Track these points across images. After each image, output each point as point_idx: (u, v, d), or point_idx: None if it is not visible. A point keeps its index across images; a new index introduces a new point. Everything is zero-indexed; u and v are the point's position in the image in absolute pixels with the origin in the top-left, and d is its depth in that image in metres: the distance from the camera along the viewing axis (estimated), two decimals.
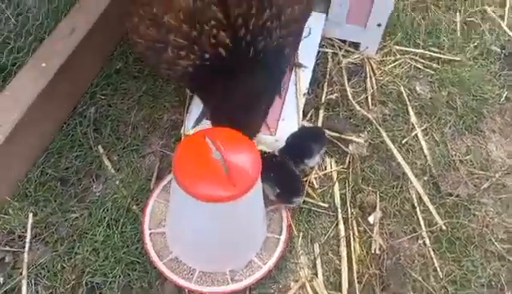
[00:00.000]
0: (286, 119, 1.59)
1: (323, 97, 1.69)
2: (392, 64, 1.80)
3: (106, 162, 1.49)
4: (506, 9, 1.99)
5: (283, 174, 1.33)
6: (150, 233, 1.28)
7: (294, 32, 1.14)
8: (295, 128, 1.57)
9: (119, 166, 1.49)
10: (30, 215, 1.33)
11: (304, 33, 1.73)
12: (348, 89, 1.71)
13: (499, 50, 1.85)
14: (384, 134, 1.57)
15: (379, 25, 1.72)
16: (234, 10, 1.00)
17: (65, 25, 1.57)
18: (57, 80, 1.46)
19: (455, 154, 1.58)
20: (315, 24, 1.73)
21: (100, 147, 1.51)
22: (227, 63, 1.06)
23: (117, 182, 1.44)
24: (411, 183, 1.47)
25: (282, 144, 1.47)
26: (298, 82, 1.63)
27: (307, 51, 1.70)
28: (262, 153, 1.38)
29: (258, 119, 1.24)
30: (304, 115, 1.63)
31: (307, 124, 1.61)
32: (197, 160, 1.07)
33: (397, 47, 1.85)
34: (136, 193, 1.43)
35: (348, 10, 1.70)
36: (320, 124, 1.62)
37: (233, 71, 1.09)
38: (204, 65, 1.07)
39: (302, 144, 1.47)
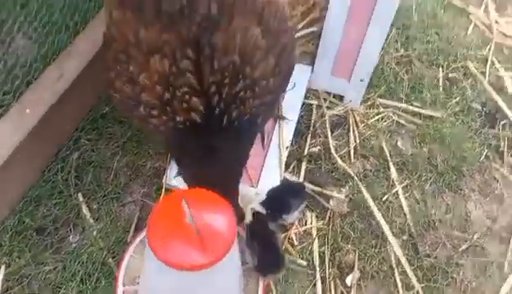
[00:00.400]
0: (268, 171, 1.60)
1: (306, 149, 1.71)
2: (376, 118, 1.83)
3: (85, 211, 1.48)
4: (488, 65, 2.05)
5: (265, 247, 1.31)
6: (124, 291, 1.26)
7: (268, 102, 1.16)
8: (277, 181, 1.58)
9: (98, 215, 1.49)
10: (3, 267, 1.31)
11: (289, 86, 1.78)
12: (330, 141, 1.73)
13: (480, 107, 1.89)
14: (365, 190, 1.58)
15: (362, 80, 1.76)
16: (208, 78, 1.02)
17: (53, 70, 1.58)
18: (40, 127, 1.46)
19: (435, 213, 1.59)
20: (300, 77, 1.77)
21: (80, 195, 1.51)
22: (200, 128, 1.08)
23: (94, 233, 1.43)
24: (390, 243, 1.48)
25: (263, 196, 1.48)
26: (282, 135, 1.65)
27: (291, 104, 1.73)
28: (253, 214, 1.38)
29: (229, 185, 1.24)
30: (287, 167, 1.65)
31: (289, 176, 1.63)
32: (171, 224, 1.06)
33: (381, 100, 1.88)
34: (114, 244, 1.41)
35: (333, 64, 1.74)
36: (302, 177, 1.64)
37: (205, 137, 1.10)
38: (177, 127, 1.09)
39: (281, 199, 1.48)
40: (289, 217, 1.46)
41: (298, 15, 1.77)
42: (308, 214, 1.55)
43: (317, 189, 1.59)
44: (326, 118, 1.80)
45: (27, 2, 1.60)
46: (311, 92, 1.88)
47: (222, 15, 1.01)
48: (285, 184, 1.56)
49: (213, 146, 1.12)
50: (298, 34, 1.76)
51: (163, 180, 1.54)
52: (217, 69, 1.02)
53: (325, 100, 1.87)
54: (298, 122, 1.76)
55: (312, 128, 1.78)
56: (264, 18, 1.08)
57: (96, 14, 1.76)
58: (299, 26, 1.75)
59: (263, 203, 1.45)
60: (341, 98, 1.88)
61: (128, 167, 1.61)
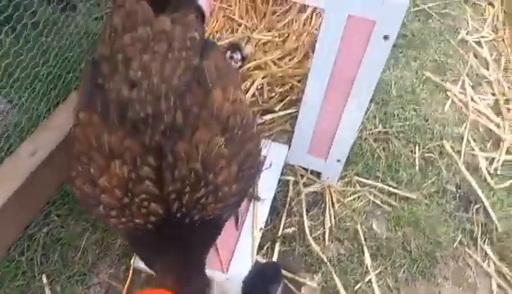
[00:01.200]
0: (240, 254, 1.57)
1: (280, 230, 1.69)
2: (352, 197, 1.84)
3: None
4: (463, 144, 2.09)
5: None
6: None
7: (232, 203, 1.16)
8: (248, 265, 1.56)
9: None
10: None
11: (265, 165, 1.80)
12: (306, 222, 1.72)
13: (454, 189, 1.91)
14: (337, 278, 1.56)
15: (338, 161, 1.77)
16: (168, 186, 1.02)
17: (27, 145, 1.57)
18: (9, 205, 1.44)
19: None
20: (277, 156, 1.79)
21: (44, 276, 1.46)
22: (160, 229, 1.07)
23: None
24: None
25: (233, 282, 1.45)
26: (255, 216, 1.64)
27: (267, 183, 1.73)
28: None
29: (193, 273, 1.22)
30: (260, 248, 1.63)
31: (260, 259, 1.60)
32: None
33: (358, 178, 1.90)
34: None
35: (309, 144, 1.76)
36: (275, 259, 1.61)
37: (166, 237, 1.09)
38: (136, 228, 1.07)
39: (259, 286, 1.44)
40: None
41: (276, 97, 1.81)
42: None
43: (290, 275, 1.56)
44: (303, 196, 1.80)
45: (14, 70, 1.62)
46: (288, 167, 1.89)
47: (186, 124, 1.03)
48: (261, 268, 1.52)
49: (174, 244, 1.11)
50: (276, 115, 1.79)
51: (132, 261, 1.50)
52: (178, 178, 1.02)
53: (302, 176, 1.88)
54: (275, 198, 1.75)
55: (287, 206, 1.78)
56: (229, 127, 1.09)
57: (78, 86, 1.78)
58: (277, 108, 1.78)
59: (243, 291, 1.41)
60: (318, 174, 1.89)
61: (97, 244, 1.58)
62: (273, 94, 1.81)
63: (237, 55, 1.83)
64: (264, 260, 1.59)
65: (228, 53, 1.85)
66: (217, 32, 2.12)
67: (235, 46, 1.89)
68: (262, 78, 1.87)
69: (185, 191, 1.03)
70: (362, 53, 1.40)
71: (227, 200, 1.11)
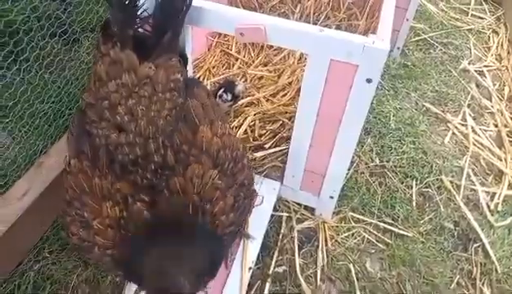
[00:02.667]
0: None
1: (271, 268, 1.67)
2: (346, 234, 1.81)
3: None
4: (463, 179, 2.05)
5: None
6: None
7: (230, 232, 1.18)
8: None
9: None
10: None
11: (257, 202, 1.79)
12: (297, 260, 1.70)
13: (452, 226, 1.86)
14: None
15: (331, 197, 1.76)
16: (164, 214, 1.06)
17: (21, 184, 1.62)
18: (1, 243, 1.47)
19: None
20: (269, 192, 1.78)
21: None
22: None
23: None
24: None
25: None
26: (245, 255, 1.63)
27: (258, 220, 1.72)
28: None
29: None
30: (250, 288, 1.61)
31: None
32: None
33: (353, 214, 1.87)
34: None
35: (301, 181, 1.76)
36: None
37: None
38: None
39: None
40: None
41: (268, 134, 1.82)
42: None
43: None
44: (295, 232, 1.78)
45: (14, 104, 1.68)
46: (281, 202, 1.88)
47: (178, 163, 1.07)
48: None
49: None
50: (268, 152, 1.79)
51: None
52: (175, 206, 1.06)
53: (295, 211, 1.86)
54: (266, 235, 1.74)
55: (279, 243, 1.76)
56: (220, 161, 1.13)
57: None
58: (267, 145, 1.79)
59: None
60: (313, 209, 1.87)
61: (88, 281, 1.59)
62: (264, 131, 1.82)
63: (227, 96, 1.85)
64: None
65: (220, 91, 1.88)
66: (213, 67, 2.16)
67: (229, 84, 1.92)
68: (254, 115, 1.89)
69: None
70: (347, 95, 1.41)
71: (225, 229, 1.13)
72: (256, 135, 1.82)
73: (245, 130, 1.84)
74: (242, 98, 1.96)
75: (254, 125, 1.85)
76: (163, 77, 1.16)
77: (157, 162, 1.07)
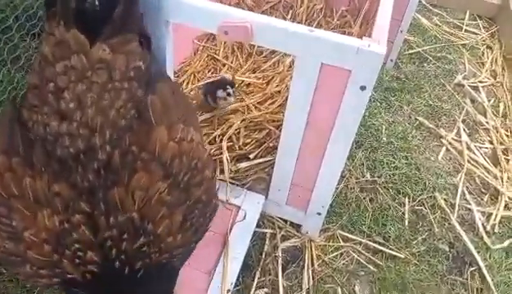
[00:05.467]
0: None
1: (252, 291, 1.53)
2: (334, 253, 1.68)
3: None
4: (458, 197, 1.94)
5: None
6: None
7: (180, 253, 1.04)
8: None
9: None
10: None
11: (239, 217, 1.66)
12: (281, 282, 1.56)
13: (447, 248, 1.75)
14: None
15: (319, 214, 1.63)
16: (103, 232, 0.91)
17: None
18: None
19: None
20: (252, 207, 1.65)
21: None
22: (99, 280, 0.94)
23: None
24: None
25: None
26: (224, 275, 1.49)
27: (239, 237, 1.58)
28: None
29: None
30: None
31: None
32: None
33: (341, 232, 1.74)
34: None
35: (288, 195, 1.63)
36: None
37: (107, 287, 0.96)
38: (73, 283, 0.94)
39: None
40: None
41: (253, 143, 1.70)
42: None
43: None
44: (279, 252, 1.65)
45: None
46: (265, 218, 1.75)
47: (123, 166, 0.92)
48: None
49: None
50: (253, 163, 1.67)
51: None
52: (114, 225, 0.90)
53: (280, 228, 1.73)
54: (248, 254, 1.60)
55: (262, 263, 1.62)
56: (174, 172, 0.98)
57: None
58: (252, 156, 1.67)
59: None
60: (299, 226, 1.74)
61: None
62: (249, 140, 1.70)
63: (224, 94, 1.73)
64: None
65: (219, 92, 1.76)
66: (198, 72, 2.04)
67: (224, 83, 1.81)
68: (240, 122, 1.77)
69: (122, 238, 0.91)
70: (338, 103, 1.30)
71: (174, 250, 0.99)
72: (240, 143, 1.69)
73: (230, 137, 1.71)
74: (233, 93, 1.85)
75: (239, 133, 1.73)
76: (122, 64, 1.01)
77: (101, 160, 0.92)
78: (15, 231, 0.91)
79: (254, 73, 2.07)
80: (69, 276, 0.93)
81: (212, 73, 2.06)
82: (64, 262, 0.91)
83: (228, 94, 1.80)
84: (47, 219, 0.89)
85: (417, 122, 2.28)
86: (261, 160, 1.67)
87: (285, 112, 1.43)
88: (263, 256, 1.64)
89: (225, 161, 1.63)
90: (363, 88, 1.24)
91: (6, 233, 0.93)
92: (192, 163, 1.05)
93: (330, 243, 1.72)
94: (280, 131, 1.51)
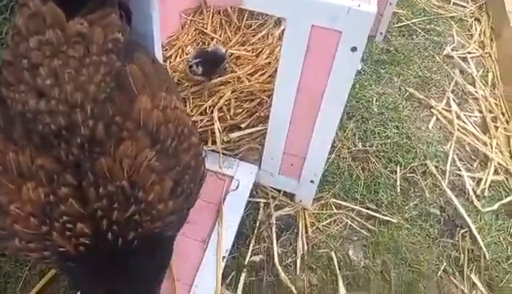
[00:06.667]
0: (200, 286, 1.42)
1: (247, 258, 1.55)
2: (328, 220, 1.70)
3: None
4: (448, 164, 1.97)
5: None
6: None
7: (172, 220, 1.03)
8: None
9: None
10: None
11: (232, 186, 1.67)
12: (275, 249, 1.58)
13: (438, 212, 1.78)
14: None
15: (312, 181, 1.64)
16: (93, 204, 0.89)
17: None
18: None
19: None
20: (245, 177, 1.65)
21: None
22: (93, 253, 0.92)
23: None
24: None
25: None
26: (219, 243, 1.50)
27: (233, 206, 1.58)
28: None
29: None
30: (224, 278, 1.47)
31: (225, 291, 1.45)
32: None
33: (334, 200, 1.76)
34: None
35: (280, 164, 1.64)
36: (240, 291, 1.46)
37: (101, 260, 0.94)
38: (65, 257, 0.93)
39: None
40: None
41: (244, 113, 1.69)
42: None
43: None
44: (273, 219, 1.66)
45: None
46: (259, 188, 1.75)
47: (108, 137, 0.90)
48: None
49: (113, 272, 0.97)
50: (243, 132, 1.66)
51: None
52: (104, 195, 0.89)
53: (273, 198, 1.74)
54: (242, 223, 1.61)
55: (256, 231, 1.63)
56: (160, 138, 0.96)
57: None
58: (243, 125, 1.66)
59: None
60: (292, 196, 1.75)
61: (41, 274, 1.42)
62: (240, 110, 1.69)
63: (197, 69, 1.72)
64: (228, 292, 1.44)
65: (192, 62, 1.74)
66: (186, 46, 2.02)
67: (204, 54, 1.79)
68: (231, 93, 1.75)
69: (113, 207, 0.90)
70: (330, 66, 1.29)
71: (166, 218, 0.98)
72: (232, 114, 1.69)
73: (221, 108, 1.70)
74: (218, 76, 1.83)
75: (230, 104, 1.72)
76: (99, 37, 0.97)
77: (84, 135, 0.89)
78: (1, 205, 0.89)
79: (243, 45, 2.05)
80: (61, 249, 0.92)
81: (200, 47, 2.03)
82: (53, 234, 0.90)
83: (190, 67, 1.80)
84: (31, 192, 0.87)
85: (407, 94, 2.29)
86: (253, 130, 1.67)
87: (275, 80, 1.42)
88: (257, 224, 1.65)
89: (216, 131, 1.63)
90: (354, 49, 1.23)
91: None
92: (178, 130, 1.03)
93: (324, 211, 1.74)
94: (272, 99, 1.50)
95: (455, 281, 1.58)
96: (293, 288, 1.46)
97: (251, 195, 1.69)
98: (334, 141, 1.61)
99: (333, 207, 1.75)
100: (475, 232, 1.70)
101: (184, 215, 1.16)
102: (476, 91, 2.36)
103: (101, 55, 0.97)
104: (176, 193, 1.01)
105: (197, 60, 1.75)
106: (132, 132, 0.94)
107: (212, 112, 1.70)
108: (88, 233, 0.91)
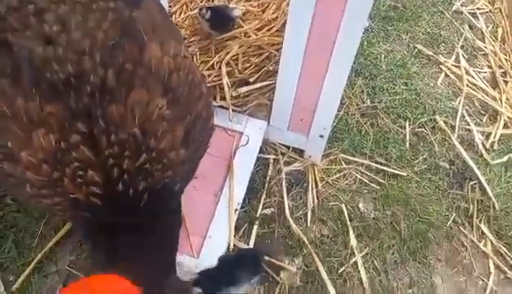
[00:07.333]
0: (214, 237, 1.44)
1: (258, 211, 1.56)
2: (337, 175, 1.70)
3: None
4: (457, 119, 1.95)
5: None
6: None
7: (182, 171, 1.02)
8: (223, 248, 1.43)
9: (13, 289, 1.30)
10: None
11: (242, 142, 1.66)
12: (286, 202, 1.59)
13: (447, 165, 1.77)
14: (320, 263, 1.42)
15: (321, 136, 1.64)
16: (104, 151, 0.88)
17: None
18: None
19: (397, 286, 1.44)
20: (254, 133, 1.64)
21: None
22: (104, 203, 0.92)
23: None
24: None
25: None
26: (231, 196, 1.51)
27: (243, 162, 1.59)
28: None
29: (150, 271, 1.07)
30: (236, 231, 1.49)
31: (237, 242, 1.47)
32: None
33: (343, 156, 1.76)
34: None
35: (289, 119, 1.62)
36: (252, 242, 1.48)
37: (112, 211, 0.94)
38: (77, 205, 0.93)
39: (228, 270, 1.30)
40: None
41: (252, 67, 1.66)
42: (256, 287, 1.38)
43: (267, 258, 1.43)
44: (283, 175, 1.66)
45: None
46: (268, 144, 1.75)
47: (119, 85, 0.88)
48: (240, 254, 1.39)
49: (125, 225, 0.97)
50: (252, 87, 1.64)
51: None
52: (115, 142, 0.88)
53: (283, 154, 1.74)
54: (253, 179, 1.62)
55: (267, 186, 1.64)
56: (172, 87, 0.95)
57: None
58: (252, 79, 1.64)
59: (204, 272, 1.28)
60: (301, 151, 1.75)
61: (57, 230, 1.44)
62: (249, 64, 1.67)
63: (206, 13, 1.67)
64: (242, 244, 1.46)
65: (203, 8, 1.71)
66: (191, 2, 1.97)
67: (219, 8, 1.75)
68: (238, 48, 1.72)
69: (124, 155, 0.89)
70: (342, 10, 1.26)
71: (177, 167, 0.97)
72: (240, 68, 1.66)
73: (228, 63, 1.67)
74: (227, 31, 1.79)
75: (238, 59, 1.69)
76: None
77: (94, 83, 0.87)
78: (11, 152, 0.89)
79: (249, 1, 2.00)
80: (72, 196, 0.92)
81: (206, 1, 1.98)
82: (65, 181, 0.89)
83: (200, 10, 1.76)
84: (42, 138, 0.86)
85: (416, 50, 2.25)
86: (261, 84, 1.65)
87: (284, 32, 1.39)
88: (267, 179, 1.65)
89: (225, 85, 1.61)
90: None
91: (2, 154, 0.90)
92: (189, 78, 1.01)
93: (333, 166, 1.74)
94: (281, 52, 1.48)
95: (464, 231, 1.60)
96: (305, 239, 1.48)
97: (260, 151, 1.69)
98: (342, 98, 1.60)
99: (342, 162, 1.75)
100: (485, 183, 1.70)
101: (194, 165, 1.16)
102: (485, 47, 2.32)
103: (109, 1, 0.95)
104: (187, 143, 1.01)
105: (207, 7, 1.71)
106: (143, 80, 0.92)
107: (219, 67, 1.68)
108: (99, 182, 0.91)
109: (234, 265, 1.31)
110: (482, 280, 1.50)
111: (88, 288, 0.92)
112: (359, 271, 1.45)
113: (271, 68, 1.67)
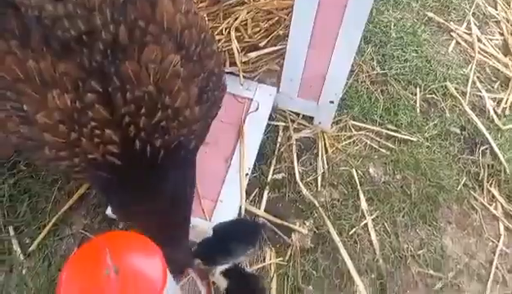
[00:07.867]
0: (225, 201, 1.46)
1: (269, 176, 1.57)
2: (347, 141, 1.70)
3: (15, 247, 1.32)
4: (469, 86, 1.93)
5: None
6: None
7: (197, 129, 1.03)
8: (235, 212, 1.44)
9: (30, 250, 1.33)
10: None
11: (252, 108, 1.66)
12: (296, 168, 1.59)
13: (458, 131, 1.76)
14: (330, 224, 1.44)
15: (331, 102, 1.62)
16: (120, 109, 0.88)
17: None
18: None
19: (407, 248, 1.45)
20: (264, 98, 1.64)
21: (11, 228, 1.35)
22: (122, 162, 0.93)
23: (24, 271, 1.28)
24: (356, 283, 1.33)
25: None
26: (241, 161, 1.51)
27: (253, 128, 1.58)
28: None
29: (171, 228, 1.09)
30: (248, 195, 1.50)
31: (248, 206, 1.48)
32: (88, 281, 0.90)
33: (353, 122, 1.75)
34: (44, 285, 1.25)
35: (300, 85, 1.61)
36: (263, 207, 1.49)
37: (130, 170, 0.95)
38: (95, 165, 0.94)
39: (224, 240, 1.29)
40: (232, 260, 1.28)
41: (262, 32, 1.64)
42: (267, 249, 1.40)
43: (279, 221, 1.45)
44: (293, 140, 1.66)
45: None
46: (278, 112, 1.75)
47: (132, 42, 0.87)
48: (237, 222, 1.40)
49: (142, 184, 0.98)
50: (262, 52, 1.63)
51: (107, 211, 1.39)
52: (131, 100, 0.88)
53: (292, 121, 1.73)
54: (263, 145, 1.62)
55: (277, 152, 1.64)
56: (185, 44, 0.94)
57: None
58: (262, 44, 1.62)
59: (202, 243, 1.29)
60: (311, 119, 1.74)
61: (70, 194, 1.46)
62: (258, 29, 1.65)
63: None
64: (254, 208, 1.47)
65: None
66: None
67: None
68: (247, 13, 1.70)
69: (140, 113, 0.89)
70: None
71: (191, 125, 0.98)
72: (249, 33, 1.64)
73: (237, 28, 1.65)
74: None
75: (246, 24, 1.67)
76: None
77: (106, 40, 0.86)
78: (27, 115, 0.89)
79: None
80: (90, 156, 0.92)
81: None
82: (82, 141, 0.90)
83: None
84: (57, 99, 0.86)
85: (426, 18, 2.21)
86: (271, 49, 1.63)
87: None
88: (277, 146, 1.65)
89: (235, 50, 1.59)
90: None
91: (18, 118, 0.90)
92: (201, 35, 1.01)
93: (343, 133, 1.73)
94: (291, 16, 1.45)
95: (474, 194, 1.60)
96: (315, 202, 1.49)
97: (270, 118, 1.68)
98: (351, 66, 1.58)
99: (352, 128, 1.75)
100: (496, 148, 1.69)
101: (207, 124, 1.16)
102: (497, 14, 2.27)
103: None
104: (201, 100, 1.01)
105: None
106: (156, 37, 0.91)
107: (228, 33, 1.66)
108: (116, 141, 0.91)
109: (230, 235, 1.30)
110: (492, 242, 1.51)
111: (110, 243, 0.94)
112: (369, 233, 1.46)
113: (281, 32, 1.65)
